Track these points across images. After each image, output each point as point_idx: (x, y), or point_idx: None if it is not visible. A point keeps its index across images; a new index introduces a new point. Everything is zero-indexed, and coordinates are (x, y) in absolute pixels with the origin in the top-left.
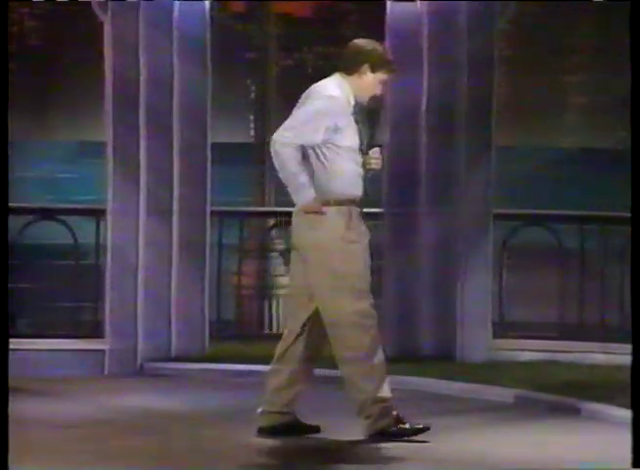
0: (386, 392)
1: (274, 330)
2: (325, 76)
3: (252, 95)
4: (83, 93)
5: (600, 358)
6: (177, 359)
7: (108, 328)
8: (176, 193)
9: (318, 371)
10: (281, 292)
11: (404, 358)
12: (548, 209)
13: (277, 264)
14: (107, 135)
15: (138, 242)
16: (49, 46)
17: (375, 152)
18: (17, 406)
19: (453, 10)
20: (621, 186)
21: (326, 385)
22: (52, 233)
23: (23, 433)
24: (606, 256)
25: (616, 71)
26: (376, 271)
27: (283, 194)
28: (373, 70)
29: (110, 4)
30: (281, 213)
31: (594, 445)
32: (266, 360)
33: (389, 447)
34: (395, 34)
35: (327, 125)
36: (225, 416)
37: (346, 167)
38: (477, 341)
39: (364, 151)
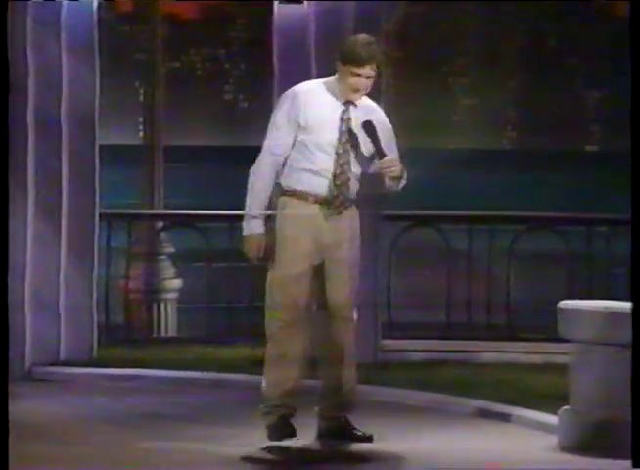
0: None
1: (162, 334)
2: (214, 78)
3: (141, 97)
4: None
5: (488, 357)
6: (66, 364)
7: None
8: (65, 195)
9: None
10: (169, 296)
11: None
12: (437, 209)
13: (164, 267)
14: None
15: (26, 244)
16: None
17: (387, 161)
18: None
19: (340, 11)
20: (510, 186)
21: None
22: None
23: None
24: (492, 255)
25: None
26: None
27: (171, 196)
28: (343, 63)
29: None
30: (170, 216)
31: (477, 443)
32: (155, 364)
33: None
34: (282, 36)
35: (291, 124)
36: (114, 421)
37: (305, 164)
38: (364, 341)
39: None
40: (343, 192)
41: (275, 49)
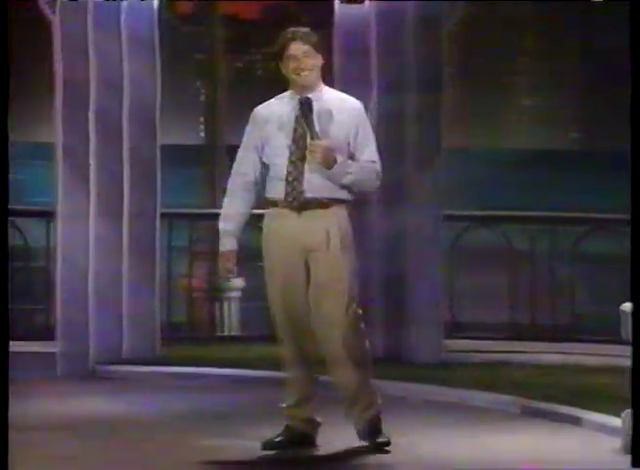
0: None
1: (225, 332)
2: (274, 78)
3: (202, 97)
4: (35, 94)
5: (552, 359)
6: (128, 362)
7: (59, 330)
8: (126, 195)
9: None
10: (232, 294)
11: None
12: (499, 210)
13: None
14: (56, 136)
15: (88, 244)
16: None
17: (313, 144)
18: None
19: (401, 11)
20: (572, 186)
21: None
22: None
23: None
24: (555, 256)
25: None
26: None
27: None
28: (281, 60)
29: (58, 4)
30: None
31: (541, 445)
32: (217, 363)
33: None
34: (343, 36)
35: (254, 143)
36: (176, 419)
37: (271, 173)
38: (427, 342)
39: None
40: (296, 188)
41: (335, 49)
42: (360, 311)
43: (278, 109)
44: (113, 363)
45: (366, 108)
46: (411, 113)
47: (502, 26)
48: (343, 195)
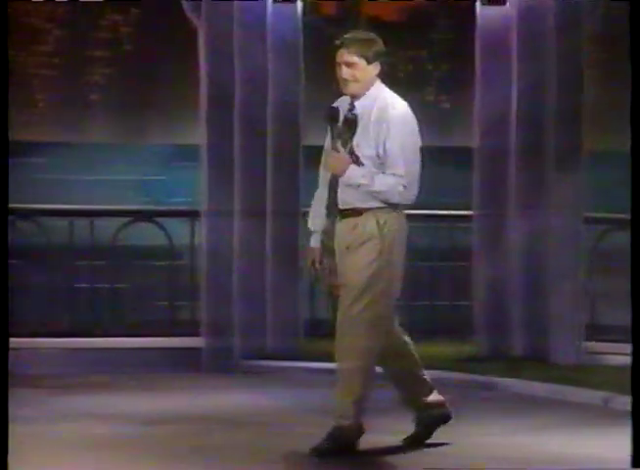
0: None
1: None
2: (415, 79)
3: None
4: (177, 97)
5: None
6: (272, 357)
7: (205, 326)
8: (269, 194)
9: None
10: None
11: (495, 360)
12: None
13: None
14: (201, 138)
15: (233, 242)
16: (144, 51)
17: (331, 154)
18: (111, 402)
19: (543, 12)
20: None
21: None
22: (147, 235)
23: (118, 428)
24: None
25: None
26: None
27: None
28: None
29: (203, 8)
30: None
31: None
32: None
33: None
34: (485, 37)
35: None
36: (319, 414)
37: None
38: (567, 343)
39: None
40: (333, 198)
41: (477, 50)
42: (381, 310)
43: (331, 110)
44: (256, 358)
45: (507, 109)
46: (551, 114)
47: None
48: (376, 203)
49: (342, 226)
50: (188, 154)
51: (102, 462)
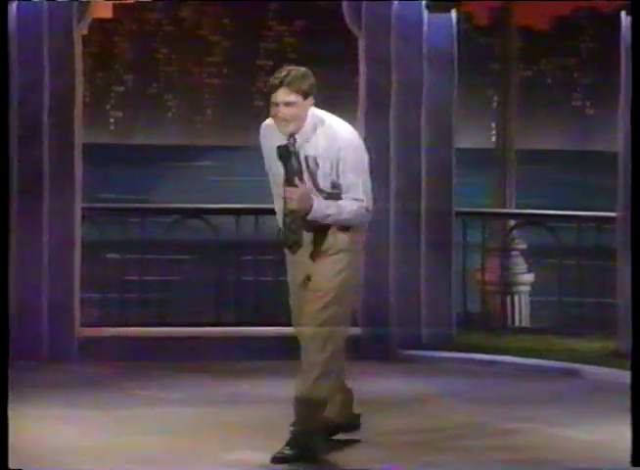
0: None
1: (516, 324)
2: (563, 86)
3: (494, 104)
4: (332, 102)
5: None
6: (427, 347)
7: (362, 316)
8: (423, 194)
9: None
10: (522, 288)
11: None
12: None
13: (517, 263)
14: None
15: (389, 238)
16: (307, 59)
17: (288, 189)
18: (282, 386)
19: None
20: None
21: None
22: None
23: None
24: None
25: None
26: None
27: (522, 196)
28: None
29: (363, 19)
30: (521, 215)
31: None
32: (509, 352)
33: None
34: (630, 47)
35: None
36: (468, 401)
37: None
38: None
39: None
40: (293, 230)
41: (623, 58)
42: (343, 312)
43: (276, 134)
44: (412, 348)
45: None
46: None
47: None
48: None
49: (311, 235)
50: None
51: (274, 440)
